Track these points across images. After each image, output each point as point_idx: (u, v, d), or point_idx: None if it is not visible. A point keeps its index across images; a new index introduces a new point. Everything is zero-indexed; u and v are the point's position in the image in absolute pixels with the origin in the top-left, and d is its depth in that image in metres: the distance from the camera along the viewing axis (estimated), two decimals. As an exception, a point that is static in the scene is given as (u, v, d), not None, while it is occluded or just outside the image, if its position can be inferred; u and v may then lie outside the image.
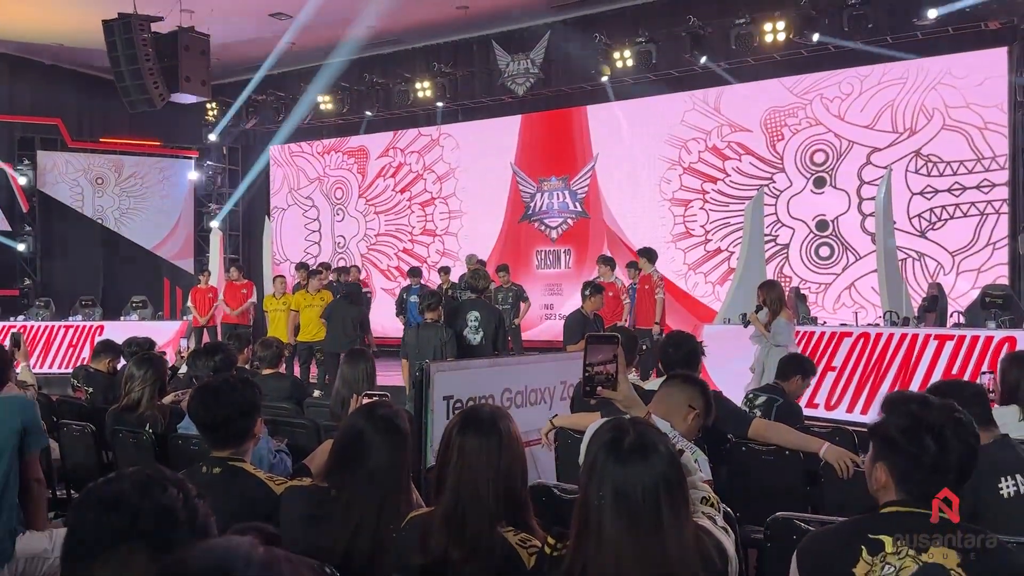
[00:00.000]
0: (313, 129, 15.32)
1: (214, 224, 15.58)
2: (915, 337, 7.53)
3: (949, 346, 7.26)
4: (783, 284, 9.67)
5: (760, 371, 6.37)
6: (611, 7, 12.37)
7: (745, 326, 6.85)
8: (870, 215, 10.45)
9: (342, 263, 13.77)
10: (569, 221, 13.25)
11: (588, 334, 2.27)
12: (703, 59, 11.21)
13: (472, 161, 14.03)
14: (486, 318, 6.47)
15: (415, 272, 11.38)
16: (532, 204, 13.53)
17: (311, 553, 1.79)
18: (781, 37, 10.50)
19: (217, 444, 2.61)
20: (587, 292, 7.06)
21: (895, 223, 9.58)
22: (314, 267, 10.78)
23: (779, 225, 11.47)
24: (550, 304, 13.13)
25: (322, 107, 14.25)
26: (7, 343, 5.57)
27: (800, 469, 3.33)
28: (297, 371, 9.33)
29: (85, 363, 6.49)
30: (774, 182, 11.52)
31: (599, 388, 2.15)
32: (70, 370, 7.79)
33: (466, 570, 1.88)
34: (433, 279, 12.25)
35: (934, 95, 10.46)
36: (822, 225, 11.27)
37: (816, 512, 2.99)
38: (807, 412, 5.45)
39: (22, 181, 14.83)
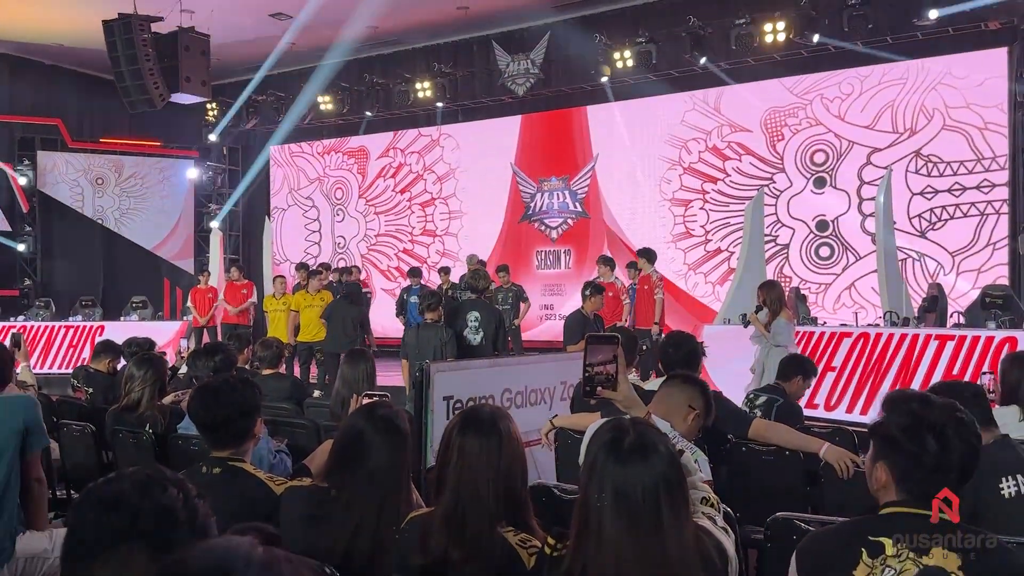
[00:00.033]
0: (313, 129, 15.30)
1: (214, 224, 15.57)
2: (915, 337, 7.52)
3: (949, 346, 7.26)
4: (783, 284, 9.66)
5: (760, 371, 6.37)
6: (611, 7, 12.37)
7: (745, 326, 6.84)
8: (870, 215, 10.44)
9: (342, 263, 13.77)
10: (569, 221, 13.25)
11: (588, 334, 2.26)
12: (703, 59, 11.21)
13: (472, 161, 14.03)
14: (486, 318, 6.48)
15: (415, 272, 11.38)
16: (532, 204, 13.53)
17: (311, 553, 1.79)
18: (781, 37, 10.50)
19: (217, 444, 2.61)
20: (587, 292, 7.07)
21: (895, 223, 9.59)
22: (314, 267, 10.77)
23: (779, 225, 11.47)
24: (550, 304, 13.13)
25: (322, 107, 14.24)
26: (7, 343, 5.56)
27: (800, 469, 3.33)
28: (297, 371, 9.32)
29: (85, 363, 6.48)
30: (774, 182, 11.52)
31: (599, 388, 2.15)
32: (70, 370, 7.78)
33: (466, 570, 1.88)
34: (433, 279, 12.25)
35: (934, 95, 10.46)
36: (822, 225, 11.27)
37: (816, 512, 2.99)
38: (807, 412, 5.44)
39: (22, 181, 14.83)
